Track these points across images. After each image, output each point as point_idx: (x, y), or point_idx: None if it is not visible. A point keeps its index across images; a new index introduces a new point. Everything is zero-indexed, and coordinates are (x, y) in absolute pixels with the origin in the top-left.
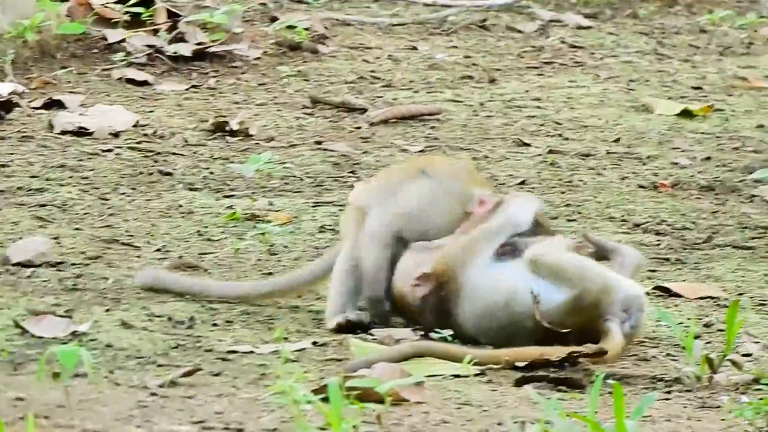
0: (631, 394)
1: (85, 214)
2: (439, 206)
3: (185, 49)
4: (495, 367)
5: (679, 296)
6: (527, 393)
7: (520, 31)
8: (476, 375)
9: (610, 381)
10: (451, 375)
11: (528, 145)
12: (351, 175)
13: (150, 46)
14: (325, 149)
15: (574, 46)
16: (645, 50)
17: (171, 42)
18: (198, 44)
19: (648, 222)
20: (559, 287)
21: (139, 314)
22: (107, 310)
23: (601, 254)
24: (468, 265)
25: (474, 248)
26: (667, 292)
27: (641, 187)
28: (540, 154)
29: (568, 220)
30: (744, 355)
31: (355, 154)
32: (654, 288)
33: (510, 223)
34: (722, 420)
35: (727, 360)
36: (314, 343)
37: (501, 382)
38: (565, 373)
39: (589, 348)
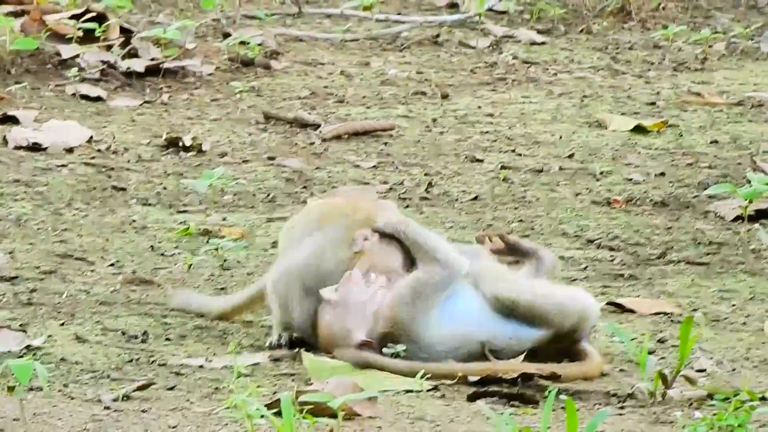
0: (584, 410)
1: (39, 229)
2: (327, 255)
3: (138, 65)
4: (448, 382)
5: (633, 312)
6: (480, 408)
7: (472, 47)
8: (429, 390)
9: (563, 396)
10: (404, 390)
11: (481, 161)
12: (304, 190)
13: (103, 62)
14: (278, 165)
15: (528, 62)
16: (599, 66)
17: (124, 57)
18: (151, 60)
19: (601, 238)
20: (534, 326)
21: (93, 328)
22: (62, 324)
23: (516, 255)
24: (418, 323)
25: (420, 305)
26: (621, 308)
27: (595, 203)
28: (493, 170)
29: (521, 236)
30: (698, 371)
31: (308, 169)
32: (607, 303)
33: (453, 273)
34: None
35: (681, 376)
36: (270, 357)
37: (454, 397)
38: (518, 389)
39: (541, 370)
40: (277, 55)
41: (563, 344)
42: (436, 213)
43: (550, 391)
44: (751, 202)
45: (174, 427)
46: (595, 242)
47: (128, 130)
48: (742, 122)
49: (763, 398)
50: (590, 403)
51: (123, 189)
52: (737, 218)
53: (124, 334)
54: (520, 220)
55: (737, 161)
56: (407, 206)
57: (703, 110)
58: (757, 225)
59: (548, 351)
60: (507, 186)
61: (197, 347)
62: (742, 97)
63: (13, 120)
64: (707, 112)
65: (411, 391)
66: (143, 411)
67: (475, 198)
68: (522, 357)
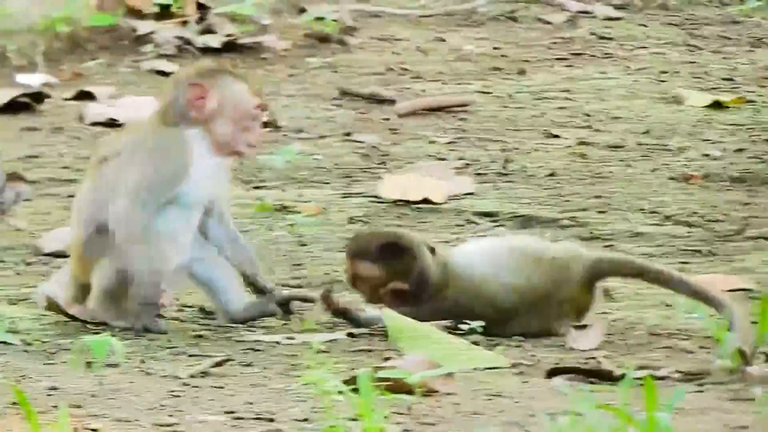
0: (662, 387)
1: None
2: None
3: (214, 41)
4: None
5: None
6: (558, 385)
7: (549, 23)
8: (507, 367)
9: (641, 373)
10: (483, 367)
11: (557, 136)
12: (380, 166)
13: (179, 38)
14: (354, 140)
15: (604, 38)
16: (675, 41)
17: (200, 33)
18: (227, 36)
19: (679, 214)
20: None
21: (171, 304)
22: None
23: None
24: None
25: None
26: None
27: (672, 179)
28: (569, 146)
29: (598, 212)
30: None
31: (384, 145)
32: None
33: None
34: (755, 412)
35: (761, 352)
36: (349, 334)
37: (532, 374)
38: (596, 365)
39: None
40: (353, 31)
41: None
42: (513, 188)
43: (628, 368)
44: None
45: (251, 404)
46: (672, 218)
47: None
48: None
49: None
50: (669, 380)
51: None
52: None
53: (201, 310)
54: (597, 196)
55: None
56: (483, 182)
57: None
58: None
59: None
60: (583, 162)
61: (273, 323)
62: None
63: (89, 96)
64: None
65: (489, 367)
66: (220, 387)
67: (552, 174)
68: None
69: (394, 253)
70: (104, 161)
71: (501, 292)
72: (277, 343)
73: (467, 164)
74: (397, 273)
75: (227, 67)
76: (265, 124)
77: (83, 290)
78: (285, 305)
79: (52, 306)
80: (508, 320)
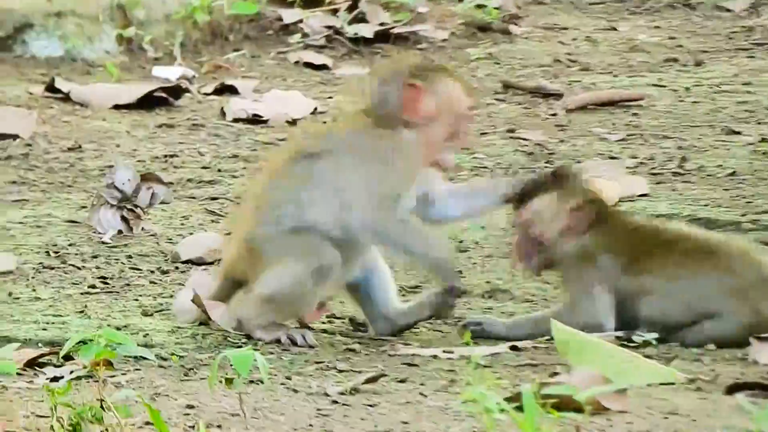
0: None
1: None
2: None
3: (366, 31)
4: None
5: None
6: (739, 401)
7: (728, 10)
8: (684, 382)
9: None
10: (657, 383)
11: (738, 133)
12: (547, 165)
13: (328, 27)
14: (518, 138)
15: None
16: None
17: (351, 23)
18: (380, 25)
19: None
20: None
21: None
22: None
23: None
24: None
25: None
26: None
27: None
28: (751, 143)
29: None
30: None
31: (551, 143)
32: None
33: None
34: None
35: None
36: (513, 347)
37: (711, 389)
38: None
39: None
40: (517, 19)
41: None
42: (690, 189)
43: None
44: None
45: (406, 423)
46: None
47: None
48: None
49: None
50: None
51: None
52: None
53: (351, 321)
54: None
55: None
56: (658, 182)
57: None
58: None
59: None
60: (766, 160)
61: (431, 336)
62: None
63: (232, 90)
64: None
65: (664, 383)
66: (372, 405)
67: (733, 173)
68: None
69: (560, 179)
70: (302, 158)
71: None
72: (435, 357)
73: (640, 163)
74: (569, 195)
75: (441, 65)
76: None
77: (231, 290)
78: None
79: (197, 301)
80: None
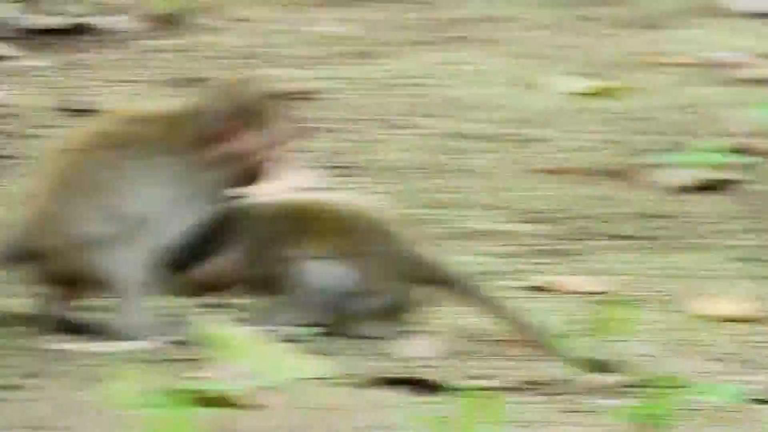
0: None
1: None
2: None
3: (52, 21)
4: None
5: (558, 291)
6: (384, 396)
7: (428, 2)
8: (338, 377)
9: (472, 383)
10: (311, 377)
11: (418, 126)
12: None
13: (12, 18)
14: None
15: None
16: (559, 24)
17: (35, 13)
18: (66, 16)
19: (543, 211)
20: None
21: None
22: None
23: None
24: None
25: None
26: (539, 289)
27: (531, 171)
28: (431, 135)
29: (441, 208)
30: (624, 356)
31: None
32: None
33: None
34: (595, 425)
35: (604, 360)
36: (172, 342)
37: (364, 384)
38: (420, 375)
39: None
40: (207, 11)
41: None
42: (366, 183)
43: (461, 378)
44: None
45: (48, 417)
46: (529, 214)
47: (34, 93)
48: (700, 85)
49: (685, 385)
50: (504, 390)
51: (10, 157)
52: (683, 189)
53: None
54: (443, 191)
55: (691, 127)
56: (335, 176)
57: (663, 72)
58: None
59: None
60: (449, 155)
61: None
62: (702, 58)
63: None
64: (667, 74)
65: (318, 378)
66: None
67: (409, 167)
68: None
69: None
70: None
71: None
72: (85, 351)
73: (317, 156)
74: None
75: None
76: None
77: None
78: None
79: None
80: None
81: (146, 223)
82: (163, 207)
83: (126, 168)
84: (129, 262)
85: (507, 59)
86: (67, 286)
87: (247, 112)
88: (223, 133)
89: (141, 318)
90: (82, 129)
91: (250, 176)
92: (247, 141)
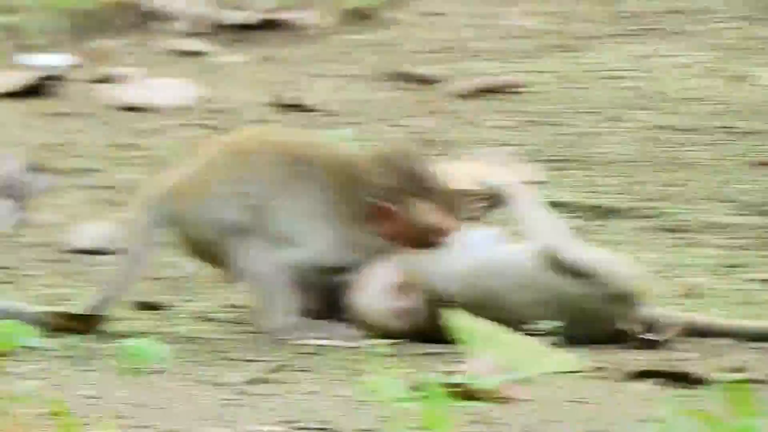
0: (760, 392)
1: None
2: None
3: (251, 17)
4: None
5: None
6: (645, 390)
7: None
8: (589, 371)
9: (733, 377)
10: (563, 371)
11: (625, 120)
12: (437, 154)
13: (212, 15)
14: (405, 125)
15: (676, 11)
16: (754, 15)
17: (235, 9)
18: (265, 11)
19: (760, 203)
20: None
21: (219, 304)
22: (186, 302)
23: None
24: None
25: None
26: None
27: (751, 164)
28: (642, 129)
29: (664, 200)
30: None
31: (437, 130)
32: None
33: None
34: None
35: None
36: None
37: (616, 377)
38: (682, 368)
39: None
40: (402, 6)
41: None
42: (583, 177)
43: (719, 371)
44: None
45: (312, 412)
46: (752, 207)
47: (240, 88)
48: None
49: None
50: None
51: None
52: None
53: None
54: (671, 184)
55: None
56: (553, 170)
57: None
58: None
59: None
60: (658, 147)
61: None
62: None
63: (116, 78)
64: None
65: (569, 372)
66: (277, 395)
67: (622, 160)
68: None
69: None
70: None
71: None
72: (338, 346)
73: (530, 150)
74: None
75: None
76: (305, 108)
77: None
78: None
79: None
80: None
81: (289, 237)
82: (312, 234)
83: (289, 183)
84: (263, 259)
85: (705, 51)
86: (206, 261)
87: (415, 185)
88: (390, 210)
89: (284, 317)
90: (259, 131)
91: (421, 242)
92: (414, 213)
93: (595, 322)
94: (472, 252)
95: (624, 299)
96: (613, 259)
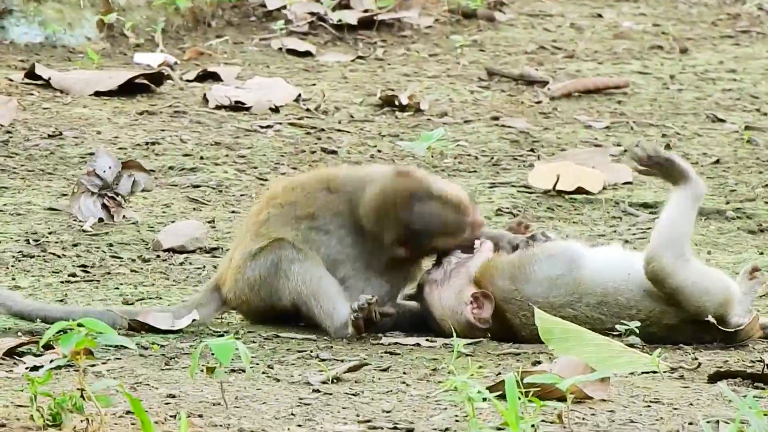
0: None
1: (242, 195)
2: None
3: (351, 17)
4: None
5: None
6: (721, 390)
7: None
8: (666, 371)
9: None
10: (640, 371)
11: (722, 120)
12: (530, 153)
13: (312, 14)
14: (503, 125)
15: None
16: None
17: (335, 9)
18: (364, 11)
19: None
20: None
21: None
22: None
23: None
24: None
25: None
26: None
27: None
28: (736, 131)
29: (759, 203)
30: None
31: (535, 130)
32: None
33: None
34: None
35: None
36: (490, 337)
37: (693, 378)
38: (761, 369)
39: None
40: (502, 6)
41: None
42: None
43: None
44: None
45: (388, 412)
46: None
47: (339, 87)
48: None
49: None
50: None
51: (334, 152)
52: None
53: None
54: (766, 185)
55: None
56: None
57: None
58: None
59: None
60: (751, 148)
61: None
62: None
63: (214, 77)
64: None
65: (647, 372)
66: (354, 394)
67: (717, 161)
68: None
69: None
70: None
71: None
72: (417, 345)
73: (625, 151)
74: None
75: None
76: (405, 108)
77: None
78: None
79: None
80: None
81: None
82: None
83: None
84: (305, 276)
85: None
86: None
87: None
88: (421, 249)
89: (340, 325)
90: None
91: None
92: (443, 245)
93: (678, 334)
94: (555, 259)
95: (708, 326)
96: (713, 277)
